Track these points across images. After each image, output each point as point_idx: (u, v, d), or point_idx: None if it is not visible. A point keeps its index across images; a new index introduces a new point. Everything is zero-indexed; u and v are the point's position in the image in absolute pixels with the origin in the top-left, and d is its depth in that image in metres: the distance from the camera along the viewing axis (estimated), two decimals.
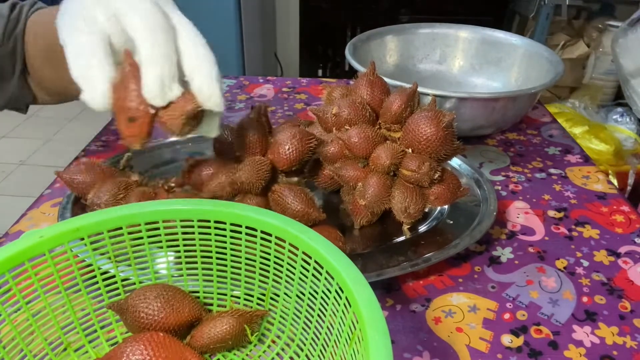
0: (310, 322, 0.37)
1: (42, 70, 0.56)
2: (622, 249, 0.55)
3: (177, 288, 0.40)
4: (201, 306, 0.41)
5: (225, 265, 0.41)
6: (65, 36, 0.37)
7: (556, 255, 0.54)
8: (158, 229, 0.39)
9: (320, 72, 2.34)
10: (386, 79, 0.57)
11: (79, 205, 0.54)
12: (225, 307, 0.42)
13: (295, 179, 0.51)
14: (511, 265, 0.53)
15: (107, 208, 0.39)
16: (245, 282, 0.41)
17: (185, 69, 0.37)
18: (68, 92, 0.57)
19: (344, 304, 0.32)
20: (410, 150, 0.50)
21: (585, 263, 0.53)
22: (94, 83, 0.35)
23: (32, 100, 0.61)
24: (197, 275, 0.42)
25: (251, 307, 0.41)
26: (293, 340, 0.39)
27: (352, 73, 0.62)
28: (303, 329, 0.38)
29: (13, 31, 0.56)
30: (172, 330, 0.38)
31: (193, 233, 0.40)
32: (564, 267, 0.52)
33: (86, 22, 0.36)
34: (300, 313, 0.38)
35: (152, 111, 0.36)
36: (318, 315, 0.36)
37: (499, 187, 0.65)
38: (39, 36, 0.54)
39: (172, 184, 0.51)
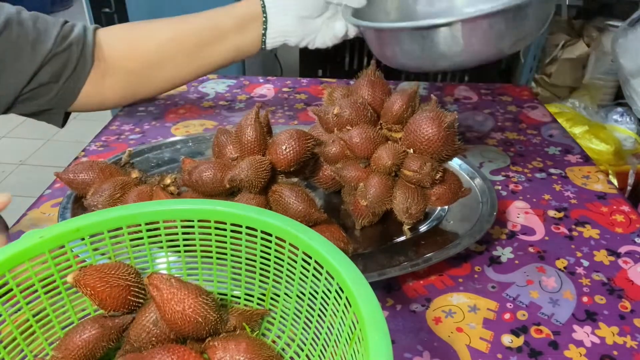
0: (311, 322, 0.37)
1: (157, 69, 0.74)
2: (622, 249, 0.55)
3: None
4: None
5: (225, 265, 0.41)
6: None
7: (556, 255, 0.54)
8: (158, 229, 0.39)
9: (320, 72, 2.34)
10: (388, 24, 0.57)
11: (79, 205, 0.54)
12: (225, 307, 0.42)
13: (295, 179, 0.51)
14: (511, 265, 0.53)
15: (107, 208, 0.39)
16: (246, 282, 0.41)
17: None
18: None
19: (344, 304, 0.32)
20: (411, 150, 0.50)
21: (586, 263, 0.53)
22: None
23: (70, 106, 0.71)
24: (197, 275, 0.42)
25: (251, 307, 0.41)
26: (293, 340, 0.39)
27: (353, 73, 0.62)
28: (303, 329, 0.38)
29: (68, 36, 0.67)
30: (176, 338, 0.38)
31: (193, 233, 0.40)
32: (564, 267, 0.52)
33: None
34: (301, 313, 0.38)
35: None
36: (318, 315, 0.36)
37: (499, 187, 0.65)
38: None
39: (168, 182, 0.51)
